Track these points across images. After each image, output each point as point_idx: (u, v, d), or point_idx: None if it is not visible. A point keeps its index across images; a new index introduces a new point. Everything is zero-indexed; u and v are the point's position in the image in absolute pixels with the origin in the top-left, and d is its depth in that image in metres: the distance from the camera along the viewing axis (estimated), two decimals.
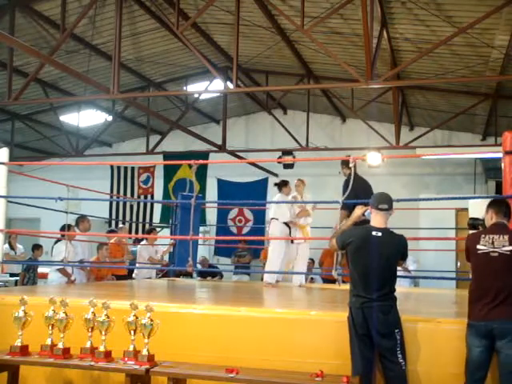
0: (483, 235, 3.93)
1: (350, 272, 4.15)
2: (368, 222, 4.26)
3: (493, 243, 3.84)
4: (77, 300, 4.73)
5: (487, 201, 4.27)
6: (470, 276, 4.04)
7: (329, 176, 10.65)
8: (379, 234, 4.02)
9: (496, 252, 3.81)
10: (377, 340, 3.90)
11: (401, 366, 3.86)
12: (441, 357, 3.97)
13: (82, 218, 8.33)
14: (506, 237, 3.82)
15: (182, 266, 7.72)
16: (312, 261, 11.42)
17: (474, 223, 4.79)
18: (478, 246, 3.89)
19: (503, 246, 3.80)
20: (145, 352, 4.00)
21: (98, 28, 9.24)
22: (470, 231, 4.64)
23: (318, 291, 7.88)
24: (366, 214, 4.38)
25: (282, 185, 7.97)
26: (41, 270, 10.08)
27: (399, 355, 3.86)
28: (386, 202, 4.13)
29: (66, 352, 4.15)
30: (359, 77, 7.65)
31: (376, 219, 4.13)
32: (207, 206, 13.48)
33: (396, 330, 3.90)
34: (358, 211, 4.38)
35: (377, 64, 7.70)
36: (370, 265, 3.96)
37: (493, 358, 3.77)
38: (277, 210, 7.77)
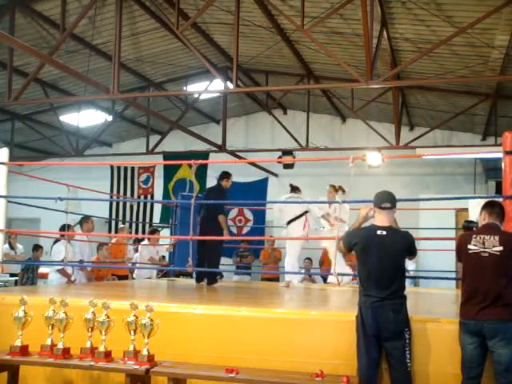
0: (475, 235, 3.96)
1: (359, 272, 4.15)
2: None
3: (483, 243, 3.86)
4: (77, 300, 4.73)
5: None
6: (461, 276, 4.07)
7: (329, 176, 10.61)
8: (384, 232, 4.02)
9: (486, 252, 3.83)
10: (387, 339, 3.88)
11: (407, 366, 3.85)
12: (441, 357, 3.97)
13: (85, 219, 8.29)
14: (497, 237, 3.84)
15: (181, 266, 7.72)
16: (310, 260, 11.44)
17: (469, 225, 4.80)
18: (469, 246, 3.91)
19: (493, 247, 3.82)
20: (145, 352, 3.99)
21: (98, 28, 9.24)
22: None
23: (318, 291, 7.88)
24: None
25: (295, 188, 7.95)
26: (41, 270, 10.09)
27: (407, 355, 3.85)
28: (388, 201, 4.13)
29: (65, 352, 4.14)
30: (359, 77, 7.65)
31: (379, 218, 4.12)
32: None
33: (406, 329, 3.90)
34: (363, 211, 4.37)
35: (377, 64, 7.71)
36: (377, 264, 3.96)
37: (487, 355, 3.78)
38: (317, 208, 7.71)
